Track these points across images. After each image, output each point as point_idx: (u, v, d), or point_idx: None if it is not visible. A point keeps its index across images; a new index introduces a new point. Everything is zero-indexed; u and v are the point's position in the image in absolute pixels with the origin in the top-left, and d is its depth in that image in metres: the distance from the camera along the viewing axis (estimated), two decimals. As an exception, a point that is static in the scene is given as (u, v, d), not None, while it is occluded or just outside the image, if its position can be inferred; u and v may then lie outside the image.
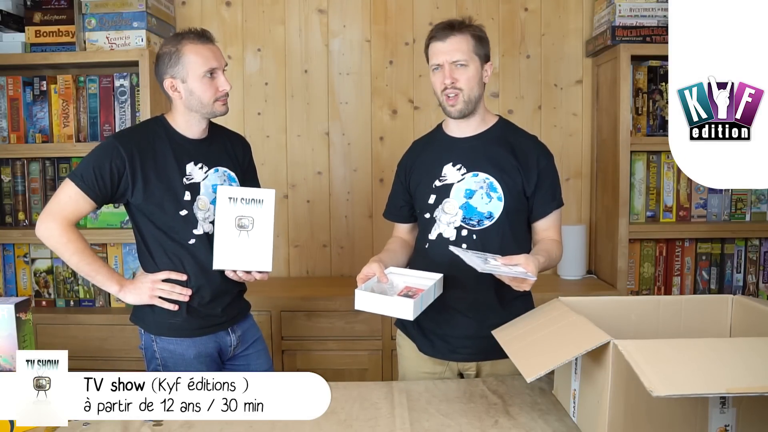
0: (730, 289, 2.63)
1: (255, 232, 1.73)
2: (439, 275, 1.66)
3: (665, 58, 2.52)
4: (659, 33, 2.47)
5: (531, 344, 1.39)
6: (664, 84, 2.54)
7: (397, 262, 1.80)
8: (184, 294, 1.74)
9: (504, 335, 1.50)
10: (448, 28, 1.69)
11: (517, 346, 1.42)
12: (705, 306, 1.59)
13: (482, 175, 1.71)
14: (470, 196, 1.71)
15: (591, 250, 2.84)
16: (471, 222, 1.71)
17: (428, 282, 1.63)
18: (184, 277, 1.75)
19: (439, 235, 1.74)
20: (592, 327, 1.29)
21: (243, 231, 1.73)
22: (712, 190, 2.60)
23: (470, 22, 1.73)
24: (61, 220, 1.67)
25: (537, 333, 1.42)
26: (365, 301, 1.55)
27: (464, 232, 1.71)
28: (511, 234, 1.73)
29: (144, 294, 1.73)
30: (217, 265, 1.73)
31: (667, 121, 2.59)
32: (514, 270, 1.50)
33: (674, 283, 2.65)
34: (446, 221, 1.73)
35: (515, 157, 1.72)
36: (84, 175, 1.67)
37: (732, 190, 2.59)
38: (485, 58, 1.72)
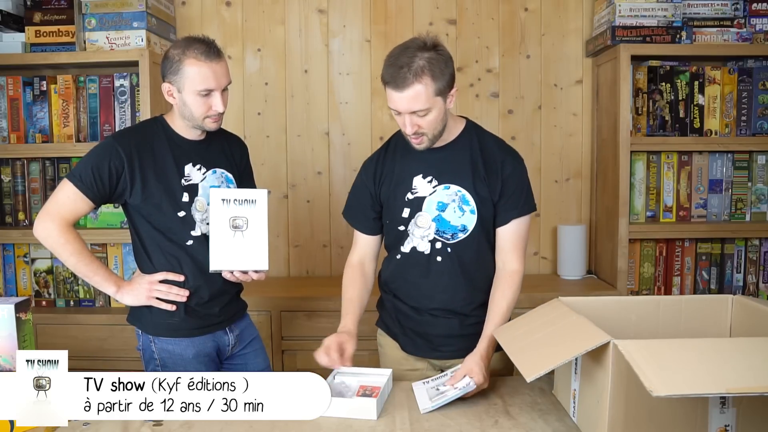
0: (730, 289, 2.63)
1: (250, 232, 1.73)
2: (389, 370, 1.61)
3: (665, 58, 2.57)
4: (659, 33, 2.48)
5: (531, 344, 1.39)
6: (664, 84, 2.54)
7: (362, 309, 1.76)
8: (181, 295, 1.74)
9: (504, 335, 1.51)
10: (405, 76, 1.50)
11: (517, 346, 1.42)
12: (705, 306, 1.59)
13: (454, 188, 1.66)
14: (443, 209, 1.67)
15: (591, 250, 2.84)
16: (445, 235, 1.67)
17: (381, 379, 1.57)
18: (181, 278, 1.75)
19: (413, 248, 1.70)
20: (592, 327, 1.29)
21: (238, 231, 1.73)
22: (712, 190, 2.60)
23: (431, 44, 1.54)
24: (59, 221, 1.66)
25: (537, 333, 1.42)
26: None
27: (438, 245, 1.68)
28: (487, 245, 1.70)
29: (141, 295, 1.73)
30: (213, 267, 1.73)
31: (666, 121, 2.60)
32: (462, 386, 1.50)
33: (674, 283, 2.65)
34: (420, 235, 1.69)
35: (483, 164, 1.67)
36: (82, 175, 1.67)
37: (732, 190, 2.59)
38: (449, 88, 1.57)
